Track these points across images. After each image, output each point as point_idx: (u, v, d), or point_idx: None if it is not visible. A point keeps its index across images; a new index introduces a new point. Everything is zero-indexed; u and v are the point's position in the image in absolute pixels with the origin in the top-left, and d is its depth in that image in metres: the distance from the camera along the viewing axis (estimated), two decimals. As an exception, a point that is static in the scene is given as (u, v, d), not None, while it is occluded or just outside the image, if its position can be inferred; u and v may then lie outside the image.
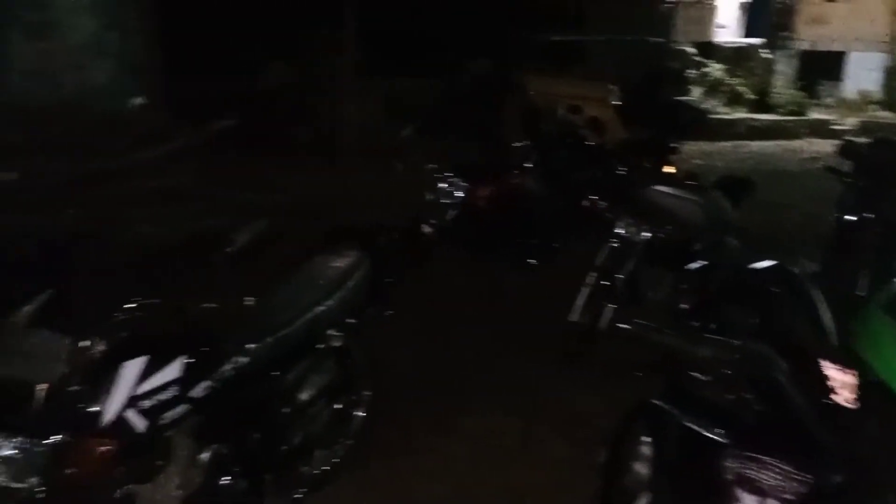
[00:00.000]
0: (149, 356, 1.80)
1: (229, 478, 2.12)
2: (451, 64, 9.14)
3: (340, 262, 2.63)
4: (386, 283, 2.92)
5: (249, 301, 2.23)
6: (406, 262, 3.69)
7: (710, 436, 1.38)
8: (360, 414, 2.84)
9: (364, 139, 7.34)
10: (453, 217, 4.48)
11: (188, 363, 1.90)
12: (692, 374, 1.39)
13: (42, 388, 1.55)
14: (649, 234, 3.72)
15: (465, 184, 4.44)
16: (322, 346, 2.49)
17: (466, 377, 3.74)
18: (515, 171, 4.96)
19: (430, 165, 4.59)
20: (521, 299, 4.62)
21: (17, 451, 1.47)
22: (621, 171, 4.72)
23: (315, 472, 2.62)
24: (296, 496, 2.51)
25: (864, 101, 15.50)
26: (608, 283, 3.78)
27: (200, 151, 5.37)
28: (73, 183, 4.39)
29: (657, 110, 6.01)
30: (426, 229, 4.35)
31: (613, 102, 6.64)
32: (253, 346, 2.17)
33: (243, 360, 2.14)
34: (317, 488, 2.63)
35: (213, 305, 1.91)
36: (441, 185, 4.45)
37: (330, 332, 2.49)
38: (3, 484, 1.49)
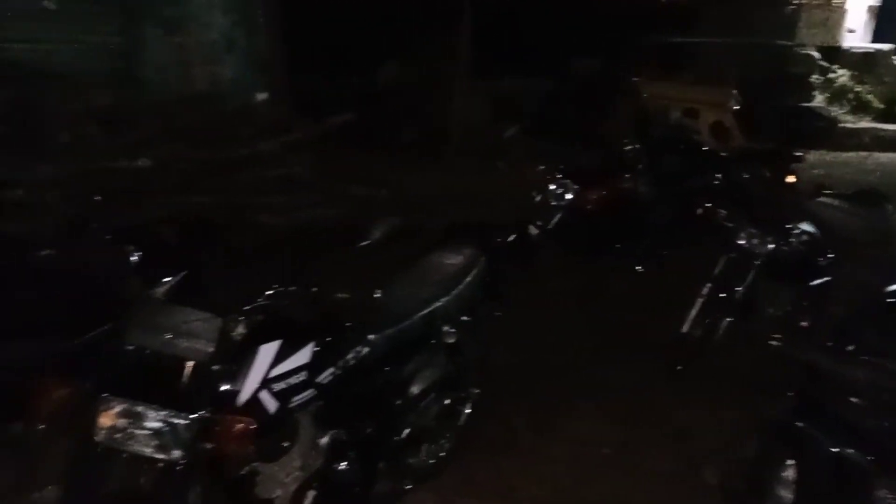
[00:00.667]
0: (282, 340, 1.88)
1: (345, 463, 2.19)
2: (560, 65, 9.05)
3: (458, 260, 2.66)
4: (499, 282, 2.94)
5: (377, 293, 2.29)
6: (515, 263, 3.70)
7: (861, 462, 1.30)
8: (467, 410, 2.86)
9: (472, 139, 7.39)
10: (561, 219, 4.42)
11: (317, 350, 1.96)
12: (842, 397, 1.31)
13: (191, 364, 1.65)
14: (773, 246, 3.54)
15: (575, 186, 4.38)
16: (436, 341, 2.52)
17: (570, 381, 3.70)
18: (626, 175, 4.85)
19: (540, 167, 4.55)
20: (628, 306, 4.52)
21: (164, 424, 1.57)
22: (743, 179, 4.53)
23: (421, 464, 2.66)
24: (402, 487, 2.56)
25: None
26: (724, 296, 3.63)
27: (317, 145, 5.57)
28: (202, 171, 4.65)
29: (780, 117, 5.71)
30: (533, 231, 4.34)
31: (733, 108, 6.37)
32: (375, 336, 2.23)
33: (365, 349, 2.20)
34: (422, 481, 2.67)
35: (345, 296, 1.97)
36: (550, 186, 4.40)
37: (445, 328, 2.52)
38: (150, 454, 1.59)
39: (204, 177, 4.58)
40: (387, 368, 2.34)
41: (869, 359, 1.28)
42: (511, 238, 3.68)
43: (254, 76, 6.08)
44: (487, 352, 2.96)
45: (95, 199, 1.92)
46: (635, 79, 8.12)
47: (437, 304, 2.46)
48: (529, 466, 3.04)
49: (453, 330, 2.53)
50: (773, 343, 1.34)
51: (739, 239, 3.60)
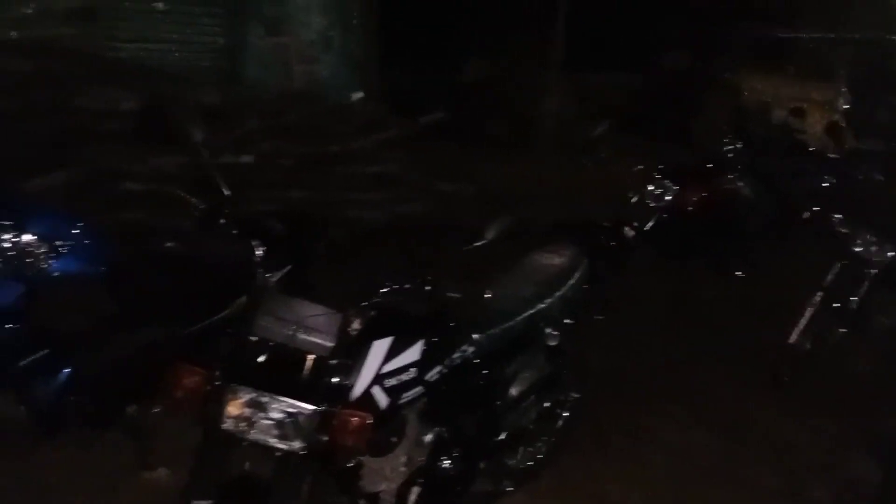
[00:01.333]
0: (395, 337, 1.90)
1: (447, 461, 2.19)
2: (657, 60, 8.83)
3: (561, 260, 2.62)
4: (600, 285, 2.88)
5: (487, 293, 2.28)
6: (613, 265, 3.63)
7: None
8: (566, 414, 2.81)
9: (567, 136, 7.30)
10: (658, 220, 4.29)
11: (426, 347, 1.97)
12: None
13: (312, 357, 1.68)
14: (893, 254, 3.33)
15: (674, 186, 4.24)
16: (539, 342, 2.50)
17: (668, 387, 3.60)
18: (727, 175, 4.66)
19: (638, 166, 4.43)
20: (728, 312, 4.37)
21: (287, 415, 1.61)
22: (857, 182, 4.29)
23: (520, 466, 2.64)
24: (501, 488, 2.55)
25: None
26: (838, 305, 3.44)
27: (410, 141, 5.63)
28: (302, 167, 4.77)
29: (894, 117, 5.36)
30: (629, 231, 4.23)
31: (843, 106, 6.03)
32: (480, 336, 2.23)
33: (471, 348, 2.20)
34: (520, 482, 2.65)
35: (456, 294, 1.97)
36: (649, 186, 4.28)
37: (548, 329, 2.48)
38: (272, 444, 1.63)
39: (303, 173, 4.70)
40: (490, 368, 2.33)
41: None
42: (611, 239, 3.61)
43: (350, 73, 6.21)
44: (587, 355, 2.90)
45: (225, 193, 1.98)
46: (736, 75, 7.83)
47: (541, 305, 2.43)
48: (625, 472, 2.97)
49: (556, 332, 2.49)
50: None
51: (855, 246, 3.40)
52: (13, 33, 4.97)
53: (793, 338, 3.51)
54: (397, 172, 5.29)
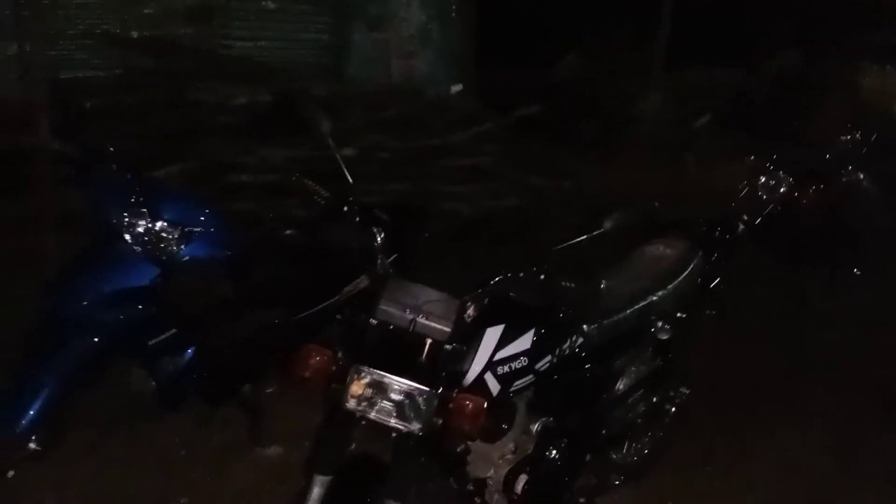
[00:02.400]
0: (508, 325, 1.90)
1: (554, 451, 2.18)
2: (758, 55, 8.46)
3: (674, 252, 2.56)
4: (712, 279, 2.79)
5: (599, 285, 2.26)
6: (724, 259, 3.49)
7: None
8: (673, 410, 2.74)
9: (665, 134, 7.13)
10: (769, 214, 4.09)
11: (537, 336, 1.97)
12: None
13: (431, 342, 1.71)
14: None
15: (789, 180, 4.02)
16: (649, 336, 2.44)
17: (775, 400, 3.44)
18: (844, 172, 4.40)
19: (750, 157, 4.24)
20: (842, 320, 4.11)
21: (407, 397, 1.64)
22: None
23: (625, 461, 2.60)
24: (605, 482, 2.51)
25: None
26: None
27: (504, 136, 5.63)
28: (401, 159, 4.86)
29: None
30: (738, 224, 4.07)
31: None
32: (591, 327, 2.20)
33: (581, 339, 2.18)
34: (624, 478, 2.60)
35: (569, 285, 1.95)
36: (762, 178, 4.08)
37: (659, 324, 2.43)
38: (393, 424, 1.66)
39: (404, 166, 4.78)
40: (599, 360, 2.30)
41: None
42: (722, 232, 3.48)
43: (448, 68, 6.27)
44: (696, 355, 2.82)
45: (350, 184, 2.04)
46: (851, 74, 7.37)
47: (653, 297, 2.38)
48: (726, 485, 2.88)
49: (667, 326, 2.43)
50: None
51: None
52: (136, 32, 5.30)
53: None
54: (494, 167, 5.30)
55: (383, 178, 4.50)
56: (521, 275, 1.81)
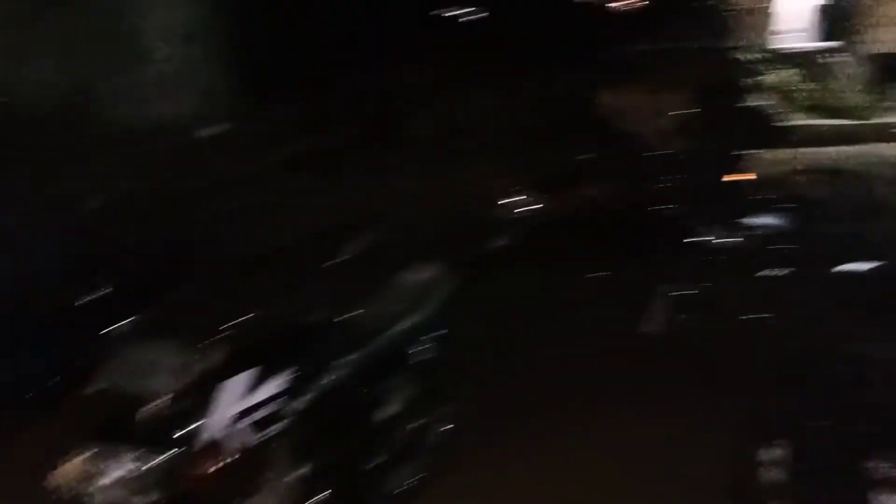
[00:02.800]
0: (251, 371, 1.82)
1: (321, 491, 2.12)
2: (518, 76, 9.16)
3: (428, 274, 2.63)
4: (472, 294, 2.92)
5: (353, 315, 2.25)
6: (488, 274, 3.69)
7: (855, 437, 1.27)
8: (445, 428, 2.80)
9: (436, 150, 7.38)
10: (526, 227, 4.43)
11: (291, 376, 1.91)
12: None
13: (156, 402, 1.58)
14: (734, 240, 3.59)
15: (544, 194, 4.39)
16: (412, 359, 2.48)
17: (549, 392, 3.64)
18: (589, 181, 4.89)
19: (506, 177, 4.55)
20: (602, 308, 4.48)
21: (133, 467, 1.49)
22: (699, 179, 4.61)
23: (402, 486, 2.60)
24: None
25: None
26: (693, 292, 3.66)
27: (281, 169, 5.52)
28: (163, 203, 4.54)
29: (731, 117, 5.84)
30: (499, 240, 4.34)
31: (687, 111, 6.50)
32: (346, 360, 2.18)
33: (337, 374, 2.15)
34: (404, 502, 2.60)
35: (320, 319, 1.92)
36: (512, 196, 4.41)
37: (417, 345, 2.48)
38: (122, 501, 1.51)
39: (165, 209, 4.48)
40: (362, 390, 2.29)
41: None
42: (481, 249, 3.67)
43: (216, 104, 6.03)
44: (464, 367, 2.91)
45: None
46: (597, 89, 8.24)
47: (409, 321, 2.42)
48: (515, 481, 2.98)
49: (427, 346, 2.49)
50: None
51: (700, 237, 3.65)
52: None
53: (651, 327, 3.69)
54: (265, 201, 5.15)
55: (140, 226, 4.16)
56: (266, 314, 1.75)
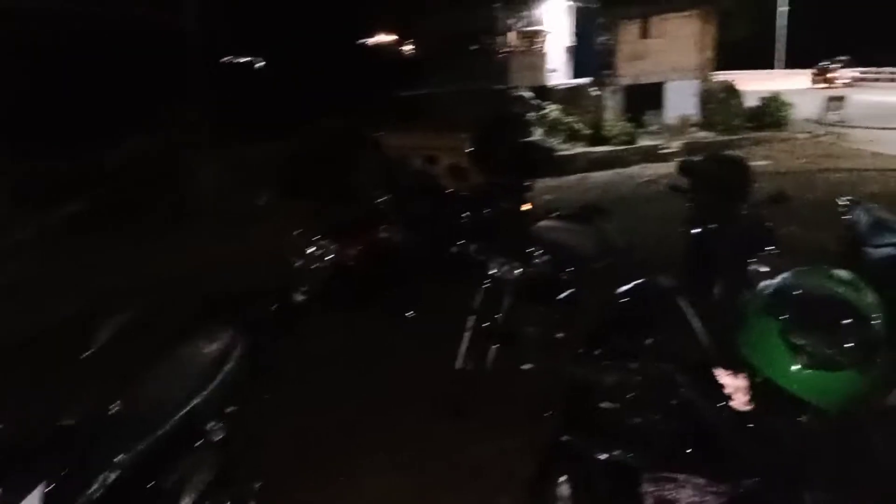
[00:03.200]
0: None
1: None
2: (303, 124, 9.11)
3: (214, 346, 2.45)
4: (265, 360, 2.76)
5: (115, 406, 2.00)
6: (282, 333, 3.53)
7: (627, 463, 1.37)
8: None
9: (222, 209, 7.11)
10: (325, 280, 4.36)
11: (48, 492, 1.65)
12: (600, 404, 1.38)
13: None
14: (521, 271, 3.78)
15: (333, 245, 4.34)
16: (201, 441, 2.28)
17: (361, 441, 3.61)
18: (382, 226, 4.93)
19: (296, 230, 4.45)
20: (407, 353, 4.55)
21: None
22: (485, 214, 4.83)
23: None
24: None
25: (685, 124, 17.15)
26: (488, 325, 3.79)
27: (48, 237, 4.95)
28: None
29: (507, 154, 6.23)
30: (298, 297, 4.21)
31: (466, 150, 6.84)
32: (124, 455, 1.94)
33: (113, 474, 1.90)
34: None
35: (72, 417, 1.68)
36: (309, 249, 4.32)
37: (209, 424, 2.28)
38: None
39: None
40: (148, 483, 2.05)
41: (612, 362, 1.37)
42: (274, 309, 3.52)
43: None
44: (266, 437, 2.75)
45: None
46: (378, 132, 8.40)
47: (195, 401, 2.22)
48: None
49: (220, 424, 2.30)
50: (529, 366, 1.38)
51: (491, 270, 3.80)
52: None
53: (458, 364, 3.77)
54: (37, 276, 4.58)
55: None
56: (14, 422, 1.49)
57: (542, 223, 3.86)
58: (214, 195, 7.66)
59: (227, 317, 2.73)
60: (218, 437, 2.29)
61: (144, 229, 6.71)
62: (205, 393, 2.26)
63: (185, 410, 2.18)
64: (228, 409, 2.38)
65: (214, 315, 2.71)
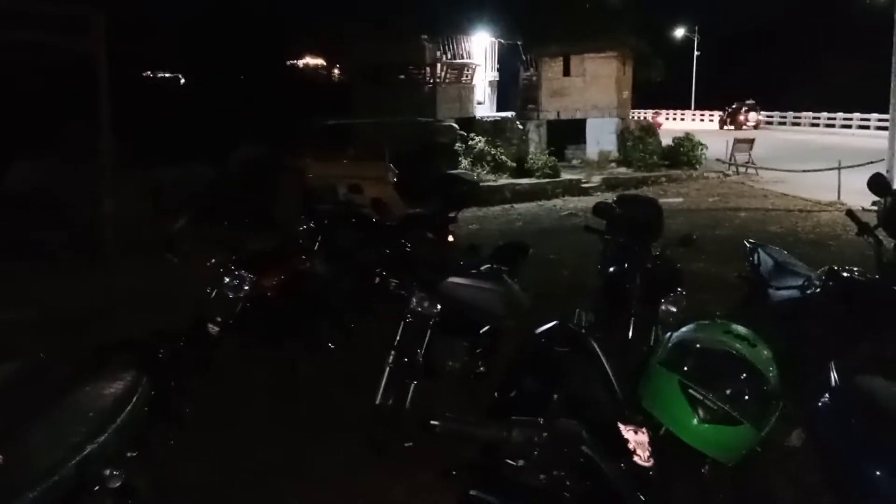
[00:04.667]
0: None
1: None
2: (222, 150, 8.93)
3: (115, 387, 2.32)
4: (171, 400, 2.65)
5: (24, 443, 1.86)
6: (194, 368, 3.41)
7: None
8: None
9: (131, 236, 6.82)
10: (241, 311, 4.22)
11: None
12: (506, 459, 1.38)
13: None
14: (440, 307, 3.78)
15: (250, 274, 4.22)
16: (98, 488, 2.14)
17: (276, 482, 3.48)
18: (302, 256, 4.85)
19: (211, 260, 4.31)
20: (324, 387, 4.46)
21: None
22: (408, 246, 4.82)
23: None
24: None
25: (605, 160, 17.80)
26: (408, 360, 3.75)
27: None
28: None
29: (433, 184, 6.29)
30: (213, 329, 4.06)
31: (392, 180, 6.86)
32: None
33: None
34: None
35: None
36: (225, 278, 4.19)
37: (107, 471, 2.15)
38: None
39: None
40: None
41: (520, 417, 1.38)
42: (181, 344, 3.39)
43: None
44: (172, 481, 2.62)
45: None
46: (301, 159, 8.32)
47: (91, 446, 2.09)
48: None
49: (119, 471, 2.17)
50: (433, 423, 1.36)
51: (411, 304, 3.77)
52: None
53: (378, 399, 3.71)
54: None
55: None
56: None
57: (452, 279, 3.83)
58: (120, 222, 7.34)
59: (133, 353, 2.61)
60: (115, 484, 2.15)
61: (47, 260, 6.38)
62: (102, 438, 2.13)
63: (79, 457, 2.05)
64: (129, 455, 2.25)
65: (118, 352, 2.59)
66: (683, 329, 1.67)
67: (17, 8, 7.20)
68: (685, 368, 1.55)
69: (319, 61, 20.62)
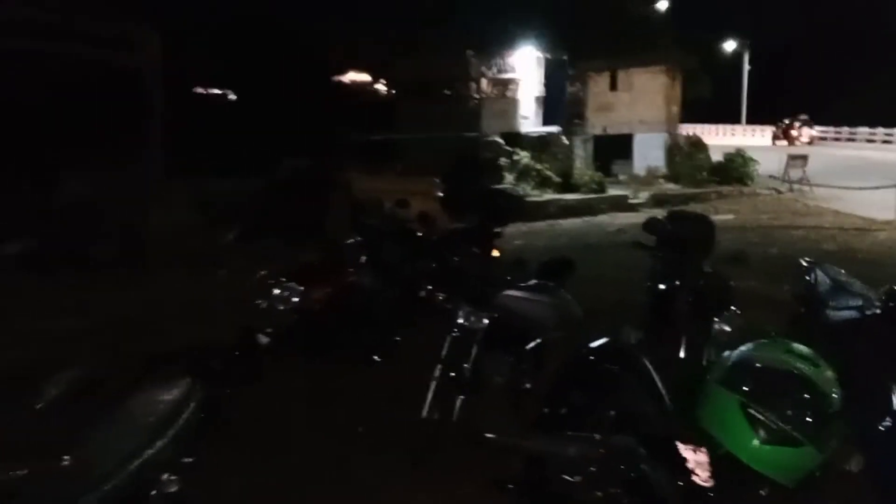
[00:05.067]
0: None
1: None
2: (271, 165, 9.11)
3: (170, 394, 2.38)
4: (223, 408, 2.70)
5: (65, 460, 1.93)
6: (245, 379, 3.48)
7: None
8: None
9: (180, 249, 6.99)
10: (290, 323, 4.30)
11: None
12: (562, 475, 1.37)
13: None
14: (488, 321, 3.78)
15: (299, 287, 4.30)
16: (155, 493, 2.20)
17: (315, 487, 3.51)
18: (349, 269, 4.91)
19: (261, 272, 4.40)
20: (369, 399, 4.49)
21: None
22: (454, 260, 4.85)
23: None
24: None
25: (652, 175, 17.57)
26: (454, 374, 3.76)
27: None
28: None
29: (478, 199, 6.30)
30: (262, 339, 4.15)
31: (438, 194, 6.90)
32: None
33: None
34: None
35: (21, 473, 1.61)
36: (274, 290, 4.27)
37: (163, 476, 2.21)
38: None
39: None
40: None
41: (574, 433, 1.36)
42: (232, 354, 3.46)
43: None
44: (225, 489, 2.67)
45: None
46: (349, 174, 8.44)
47: (149, 451, 2.15)
48: None
49: (175, 477, 2.22)
50: (487, 436, 1.36)
51: (458, 318, 3.78)
52: None
53: (424, 412, 3.72)
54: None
55: None
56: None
57: (506, 292, 3.86)
58: (170, 234, 7.53)
59: (186, 363, 2.67)
60: (172, 489, 2.21)
61: (96, 272, 6.56)
62: (159, 443, 2.19)
63: (137, 462, 2.11)
64: (184, 461, 2.30)
65: (171, 361, 2.66)
66: (742, 348, 1.63)
67: (73, 28, 7.46)
68: (745, 388, 1.52)
69: (365, 77, 20.92)
